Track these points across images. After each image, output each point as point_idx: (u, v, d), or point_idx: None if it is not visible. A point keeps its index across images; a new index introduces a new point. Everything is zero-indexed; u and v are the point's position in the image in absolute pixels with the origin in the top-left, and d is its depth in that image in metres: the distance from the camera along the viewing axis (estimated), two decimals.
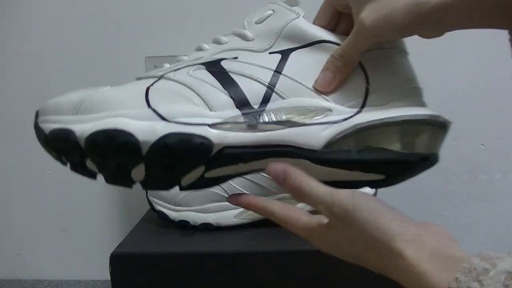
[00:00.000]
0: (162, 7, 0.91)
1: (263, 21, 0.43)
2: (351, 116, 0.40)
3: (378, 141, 0.39)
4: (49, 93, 0.96)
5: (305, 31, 0.41)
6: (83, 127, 0.38)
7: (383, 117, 0.39)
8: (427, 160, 0.41)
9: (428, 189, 1.02)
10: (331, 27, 0.43)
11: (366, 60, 0.41)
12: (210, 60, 0.42)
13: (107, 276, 0.64)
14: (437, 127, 0.41)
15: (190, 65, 0.42)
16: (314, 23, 0.43)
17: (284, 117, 0.39)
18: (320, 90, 0.40)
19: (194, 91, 0.39)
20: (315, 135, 0.39)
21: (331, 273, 0.64)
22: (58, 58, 0.95)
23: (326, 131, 0.39)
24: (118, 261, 0.64)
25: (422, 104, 0.42)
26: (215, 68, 0.41)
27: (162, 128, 0.37)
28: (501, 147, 1.00)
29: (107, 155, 0.37)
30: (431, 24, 0.36)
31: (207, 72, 0.41)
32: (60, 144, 0.39)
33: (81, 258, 1.07)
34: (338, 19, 0.43)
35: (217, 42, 0.43)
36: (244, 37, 0.43)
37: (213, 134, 0.38)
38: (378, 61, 0.41)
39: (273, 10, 0.43)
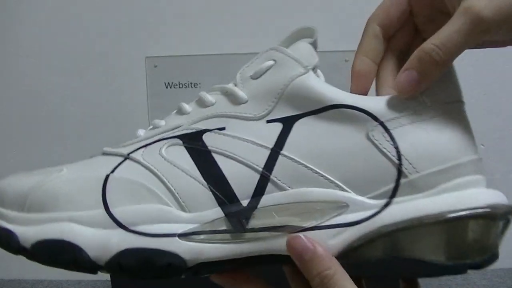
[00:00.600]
0: (162, 7, 0.89)
1: (260, 76, 0.32)
2: (375, 214, 0.29)
3: (414, 249, 0.29)
4: (49, 93, 0.93)
5: (315, 92, 0.31)
6: (26, 231, 0.30)
7: (422, 213, 0.29)
8: (480, 267, 0.30)
9: None
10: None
11: (395, 126, 0.30)
12: (189, 131, 0.32)
13: (107, 276, 0.61)
14: (499, 220, 0.29)
15: (165, 138, 0.32)
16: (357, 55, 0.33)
17: (281, 220, 0.29)
18: (404, 91, 0.30)
19: (164, 183, 0.30)
20: (323, 244, 0.29)
21: None
22: (58, 58, 0.94)
23: (338, 237, 0.29)
24: None
25: (479, 183, 0.30)
26: (194, 144, 0.31)
27: (118, 242, 0.28)
28: (501, 147, 0.98)
29: (59, 266, 0.30)
30: None
31: (184, 150, 0.31)
32: (4, 245, 0.31)
33: None
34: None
35: (201, 103, 0.33)
36: (234, 98, 0.32)
37: (184, 249, 0.29)
38: (417, 125, 0.30)
39: (274, 61, 0.32)
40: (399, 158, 0.29)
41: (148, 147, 0.32)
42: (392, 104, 0.30)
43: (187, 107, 0.34)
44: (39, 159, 0.89)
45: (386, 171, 0.29)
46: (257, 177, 0.30)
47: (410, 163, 0.29)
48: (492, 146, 0.98)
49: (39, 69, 0.94)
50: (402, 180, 0.29)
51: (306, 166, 0.30)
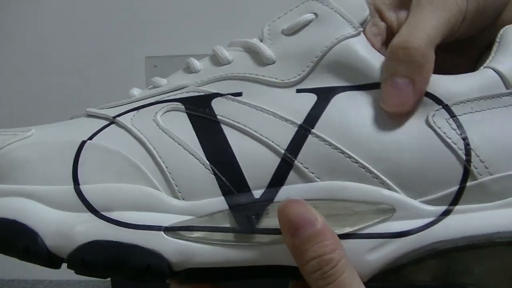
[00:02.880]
0: (162, 7, 0.89)
1: (295, 32, 0.25)
2: (430, 224, 0.22)
3: (477, 276, 0.22)
4: (49, 93, 0.93)
5: (365, 61, 0.23)
6: None
7: (494, 229, 0.21)
8: None
9: None
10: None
11: (465, 111, 0.22)
12: (196, 93, 0.25)
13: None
14: None
15: (164, 100, 0.25)
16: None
17: None
18: (395, 110, 0.23)
19: (154, 158, 0.23)
20: (357, 259, 0.22)
21: None
22: (58, 58, 0.94)
23: (378, 252, 0.22)
24: None
25: None
26: (200, 110, 0.24)
27: (84, 231, 0.22)
28: None
29: (8, 254, 0.23)
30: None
31: (185, 117, 0.24)
32: None
33: None
34: None
35: (215, 60, 0.26)
36: (259, 56, 0.25)
37: (171, 248, 0.22)
38: (496, 112, 0.23)
39: (316, 14, 0.25)
40: (468, 153, 0.22)
41: (141, 110, 0.25)
42: (462, 83, 0.23)
43: (197, 63, 0.26)
44: None
45: (448, 168, 0.22)
46: (277, 160, 0.23)
47: (482, 161, 0.22)
48: None
49: (39, 69, 0.93)
50: (469, 183, 0.22)
51: (343, 153, 0.22)
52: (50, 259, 0.22)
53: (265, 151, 0.23)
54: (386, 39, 0.25)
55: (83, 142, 0.24)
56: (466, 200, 0.22)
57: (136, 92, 0.27)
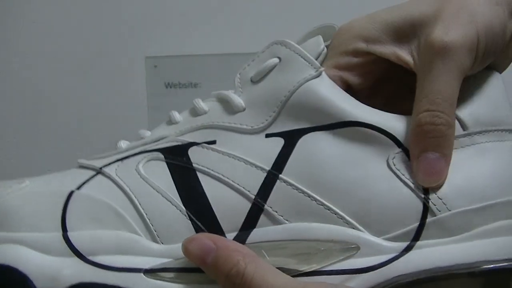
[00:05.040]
0: (162, 7, 0.87)
1: (262, 78, 0.27)
2: (392, 259, 0.23)
3: None
4: (49, 93, 0.93)
5: (328, 102, 0.25)
6: None
7: (452, 262, 0.23)
8: None
9: None
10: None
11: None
12: (174, 143, 0.27)
13: None
14: None
15: (146, 150, 0.27)
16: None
17: (273, 261, 0.23)
18: (431, 184, 0.24)
19: (135, 206, 0.25)
20: None
21: None
22: (58, 58, 0.92)
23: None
24: None
25: None
26: (177, 159, 0.26)
27: (71, 274, 0.23)
28: None
29: None
30: None
31: (164, 166, 0.26)
32: None
33: None
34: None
35: (193, 111, 0.28)
36: (230, 106, 0.27)
37: None
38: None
39: (279, 58, 0.26)
40: (426, 192, 0.24)
41: (125, 160, 0.27)
42: None
43: (177, 116, 0.28)
44: (39, 158, 0.88)
45: (409, 207, 0.24)
46: (248, 205, 0.24)
47: (440, 198, 0.24)
48: None
49: (39, 69, 0.93)
50: (429, 219, 0.23)
51: (309, 196, 0.24)
52: None
53: (237, 197, 0.24)
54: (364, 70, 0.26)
55: (71, 192, 0.26)
56: (426, 236, 0.23)
57: (123, 144, 0.29)
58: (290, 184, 0.24)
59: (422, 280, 0.23)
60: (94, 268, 0.23)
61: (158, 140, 0.27)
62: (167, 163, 0.26)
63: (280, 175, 0.24)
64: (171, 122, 0.28)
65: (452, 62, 0.23)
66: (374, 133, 0.24)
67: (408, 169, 0.24)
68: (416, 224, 0.23)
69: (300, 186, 0.24)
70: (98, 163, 0.27)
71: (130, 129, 0.32)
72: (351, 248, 0.23)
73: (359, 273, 0.23)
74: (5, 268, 0.24)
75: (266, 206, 0.24)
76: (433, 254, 0.23)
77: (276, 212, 0.24)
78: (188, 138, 0.27)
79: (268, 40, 0.27)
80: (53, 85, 0.91)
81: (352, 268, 0.23)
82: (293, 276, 0.23)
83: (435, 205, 0.23)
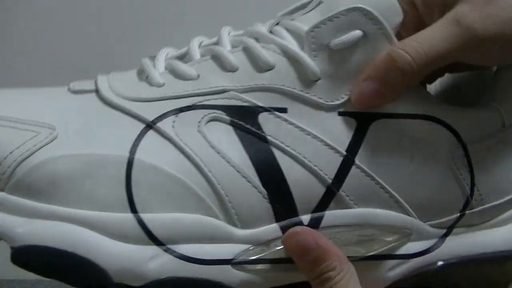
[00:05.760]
0: (162, 7, 0.83)
1: (343, 50, 0.24)
2: (435, 245, 0.26)
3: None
4: None
5: (411, 93, 0.25)
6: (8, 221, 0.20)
7: (475, 251, 0.26)
8: None
9: None
10: None
11: (477, 149, 0.26)
12: (238, 103, 0.23)
13: None
14: None
15: (204, 105, 0.23)
16: None
17: (341, 242, 0.24)
18: (363, 104, 0.24)
19: (210, 183, 0.22)
20: (379, 274, 0.25)
21: None
22: (58, 58, 0.89)
23: (396, 270, 0.25)
24: None
25: None
26: (246, 127, 0.23)
27: (157, 268, 0.21)
28: None
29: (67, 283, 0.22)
30: None
31: (231, 131, 0.23)
32: None
33: None
34: None
35: (251, 57, 0.24)
36: (302, 69, 0.24)
37: (236, 283, 0.22)
38: (496, 149, 0.26)
39: (363, 32, 0.24)
40: (472, 188, 0.26)
41: (181, 114, 0.23)
42: (477, 121, 0.26)
43: (232, 59, 0.24)
44: None
45: (455, 199, 0.26)
46: (323, 189, 0.24)
47: (480, 194, 0.26)
48: None
49: (39, 69, 0.84)
50: (468, 211, 0.26)
51: (379, 184, 0.24)
52: None
53: (313, 180, 0.23)
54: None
55: (131, 160, 0.22)
56: (462, 223, 0.26)
57: (156, 73, 0.24)
58: (364, 172, 0.24)
59: (456, 263, 0.26)
60: (179, 260, 0.21)
61: (216, 94, 0.24)
62: (234, 128, 0.23)
63: (356, 161, 0.24)
64: (224, 65, 0.24)
65: (464, 41, 0.23)
66: (440, 128, 0.25)
67: (464, 167, 0.25)
68: (457, 215, 0.26)
69: (372, 174, 0.24)
70: (143, 111, 0.23)
71: None
72: (406, 233, 0.25)
73: (412, 258, 0.25)
74: (74, 258, 0.20)
75: (340, 191, 0.24)
76: (463, 240, 0.26)
77: (348, 197, 0.24)
78: (253, 99, 0.23)
79: None
80: (53, 85, 0.77)
81: (406, 253, 0.25)
82: (351, 260, 0.23)
83: (475, 200, 0.26)
